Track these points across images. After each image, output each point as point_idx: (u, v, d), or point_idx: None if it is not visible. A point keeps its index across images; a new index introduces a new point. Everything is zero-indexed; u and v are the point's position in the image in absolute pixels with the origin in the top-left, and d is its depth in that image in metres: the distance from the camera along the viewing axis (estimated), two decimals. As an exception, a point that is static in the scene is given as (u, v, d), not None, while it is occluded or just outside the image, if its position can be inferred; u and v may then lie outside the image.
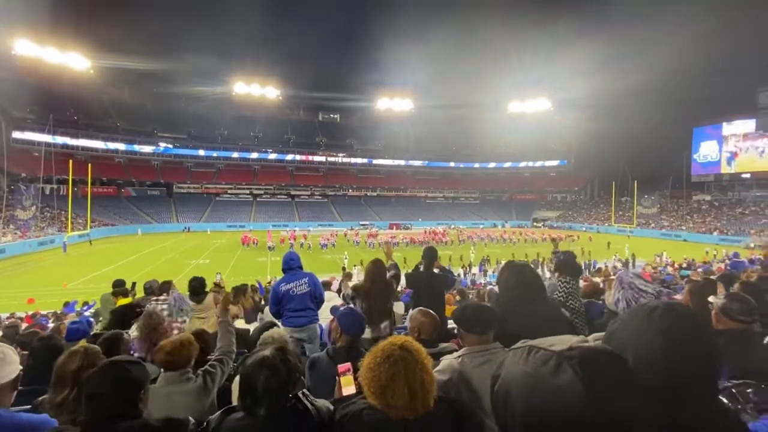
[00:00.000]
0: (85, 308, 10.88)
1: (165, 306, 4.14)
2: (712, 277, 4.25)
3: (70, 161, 34.03)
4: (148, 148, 62.61)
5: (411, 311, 2.57)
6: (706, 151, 56.48)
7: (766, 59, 52.29)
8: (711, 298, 1.91)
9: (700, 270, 9.62)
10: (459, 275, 22.67)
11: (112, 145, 58.85)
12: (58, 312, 10.52)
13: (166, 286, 4.65)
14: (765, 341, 1.82)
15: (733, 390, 1.22)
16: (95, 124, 57.36)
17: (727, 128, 53.51)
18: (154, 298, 4.32)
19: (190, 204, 59.05)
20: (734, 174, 53.22)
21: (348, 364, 1.64)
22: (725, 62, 56.35)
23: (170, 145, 64.64)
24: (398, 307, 5.93)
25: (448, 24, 77.06)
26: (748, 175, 51.62)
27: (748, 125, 51.48)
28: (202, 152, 66.63)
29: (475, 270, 23.85)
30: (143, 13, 64.87)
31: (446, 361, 1.74)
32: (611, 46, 67.97)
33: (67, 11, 45.96)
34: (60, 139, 51.75)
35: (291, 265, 3.96)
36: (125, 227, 46.25)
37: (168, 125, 65.02)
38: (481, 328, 1.74)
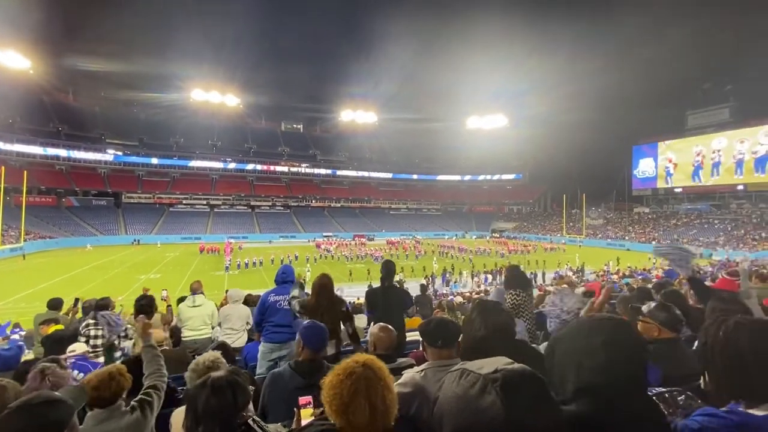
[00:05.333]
0: (14, 331, 9.82)
1: (100, 332, 3.82)
2: (648, 285, 4.60)
3: (2, 167, 31.09)
4: (94, 155, 58.50)
5: (371, 326, 2.56)
6: (644, 167, 61.62)
7: (694, 88, 58.50)
8: (643, 308, 2.07)
9: (639, 278, 10.40)
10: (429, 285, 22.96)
11: (52, 151, 54.37)
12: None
13: (101, 307, 4.18)
14: (694, 347, 2.00)
15: (666, 395, 1.34)
16: (33, 129, 52.87)
17: (663, 146, 58.89)
18: (93, 322, 3.98)
19: (140, 215, 55.58)
20: (668, 189, 58.38)
21: (309, 398, 1.60)
22: (660, 89, 62.44)
23: (120, 152, 60.84)
24: (361, 321, 5.90)
25: (410, 40, 79.35)
26: (680, 190, 56.85)
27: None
28: (155, 160, 63.21)
29: (438, 281, 24.20)
30: (91, 10, 61.30)
31: (409, 374, 1.75)
32: (562, 70, 73.32)
33: (1, 5, 42.28)
34: (-10, 144, 47.30)
35: (285, 279, 3.83)
36: (65, 240, 42.56)
37: (118, 131, 61.33)
38: (442, 343, 1.73)
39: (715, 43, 58.54)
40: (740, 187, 49.55)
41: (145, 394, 1.97)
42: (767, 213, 45.93)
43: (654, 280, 7.97)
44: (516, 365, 0.91)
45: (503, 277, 3.33)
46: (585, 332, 1.01)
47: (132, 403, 1.90)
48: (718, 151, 51.62)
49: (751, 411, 0.88)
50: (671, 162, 56.73)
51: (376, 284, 4.20)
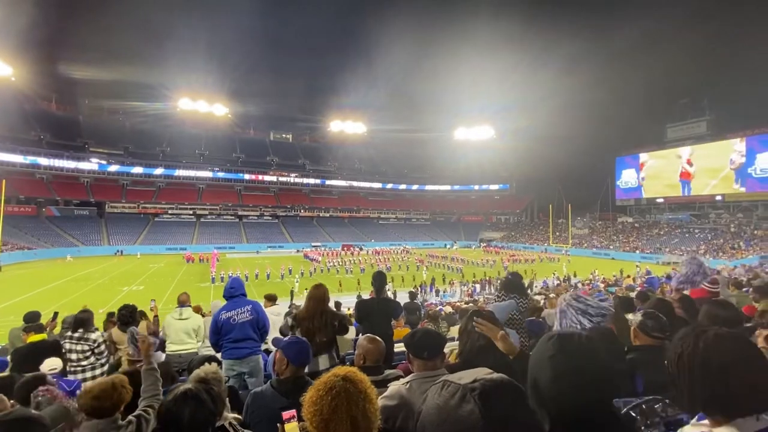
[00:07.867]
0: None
1: (78, 347, 3.71)
2: (632, 294, 4.69)
3: (-21, 176, 30.16)
4: (77, 164, 57.20)
5: (359, 338, 2.53)
6: (627, 178, 63.18)
7: (673, 102, 60.65)
8: (629, 316, 2.11)
9: (624, 287, 10.58)
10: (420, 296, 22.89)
11: (32, 160, 52.97)
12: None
13: (81, 320, 4.00)
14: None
15: (644, 406, 1.34)
16: (13, 136, 51.48)
17: (643, 157, 60.59)
18: (70, 334, 3.85)
19: (124, 225, 54.38)
20: (650, 199, 59.87)
21: (293, 411, 1.55)
22: (641, 103, 64.54)
23: (104, 161, 59.64)
24: (350, 332, 5.84)
25: (399, 52, 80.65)
26: (661, 200, 58.35)
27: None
28: (140, 169, 62.14)
29: (427, 290, 24.17)
30: (75, 16, 60.68)
31: (394, 386, 1.73)
32: (547, 84, 75.39)
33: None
34: (-33, 152, 45.93)
35: (233, 293, 3.75)
36: (45, 251, 41.30)
37: (102, 140, 60.27)
38: (428, 354, 1.73)
39: (694, 61, 61.06)
40: (718, 198, 51.11)
41: (144, 411, 1.90)
42: (744, 223, 47.39)
43: (637, 289, 8.13)
44: (495, 375, 0.92)
45: (501, 284, 3.32)
46: (538, 350, 1.01)
47: (130, 417, 1.84)
48: (693, 161, 53.36)
49: (715, 430, 0.87)
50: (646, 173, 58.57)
51: (366, 294, 4.17)
